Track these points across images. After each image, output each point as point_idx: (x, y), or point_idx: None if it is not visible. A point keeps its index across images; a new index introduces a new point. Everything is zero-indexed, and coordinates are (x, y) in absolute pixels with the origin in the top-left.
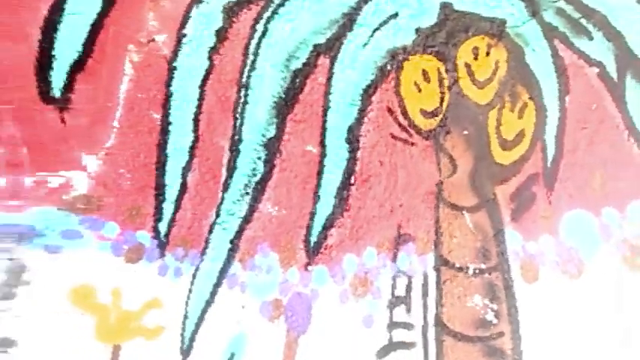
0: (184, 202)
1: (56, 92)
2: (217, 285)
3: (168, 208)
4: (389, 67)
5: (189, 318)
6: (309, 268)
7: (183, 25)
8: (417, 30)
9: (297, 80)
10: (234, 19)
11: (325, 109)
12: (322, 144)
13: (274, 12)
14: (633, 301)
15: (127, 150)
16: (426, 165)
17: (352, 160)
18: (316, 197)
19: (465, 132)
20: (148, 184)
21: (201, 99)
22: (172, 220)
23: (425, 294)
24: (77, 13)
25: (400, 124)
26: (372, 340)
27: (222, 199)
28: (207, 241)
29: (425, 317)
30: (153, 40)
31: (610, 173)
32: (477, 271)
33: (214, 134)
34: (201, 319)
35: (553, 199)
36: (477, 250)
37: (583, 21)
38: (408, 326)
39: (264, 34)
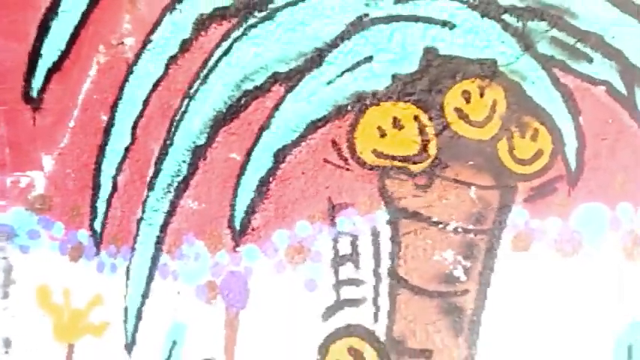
0: (114, 201)
1: (34, 92)
2: (150, 277)
3: (101, 207)
4: (349, 108)
5: (129, 312)
6: (238, 249)
7: (152, 30)
8: (394, 76)
9: (244, 99)
10: (202, 33)
11: (263, 129)
12: (248, 154)
13: (244, 33)
14: (628, 289)
15: (75, 150)
16: (358, 184)
17: (274, 168)
18: (235, 193)
19: (471, 162)
20: (87, 184)
21: (146, 104)
22: (105, 219)
23: (376, 249)
24: (67, 11)
25: (341, 155)
26: (317, 302)
27: (147, 197)
28: (135, 237)
29: (376, 272)
30: (122, 43)
31: (631, 176)
32: (460, 230)
33: (149, 138)
34: (140, 311)
35: (574, 193)
36: (470, 214)
37: (579, 45)
38: (357, 282)
39: (226, 52)
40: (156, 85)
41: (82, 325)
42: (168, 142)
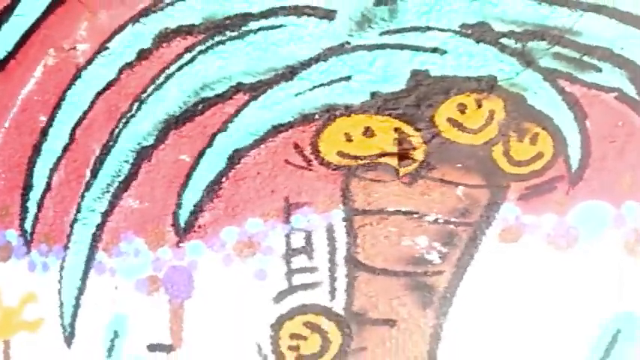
0: (47, 201)
1: None
2: (86, 273)
3: (32, 206)
4: (317, 117)
5: (64, 307)
6: (181, 244)
7: (110, 39)
8: (373, 94)
9: (201, 105)
10: (164, 44)
11: (218, 132)
12: (199, 156)
13: (210, 47)
14: (628, 285)
15: (8, 150)
16: (320, 184)
17: (227, 169)
18: (182, 191)
19: (459, 165)
20: (17, 184)
21: (91, 106)
22: (36, 219)
23: (332, 241)
24: (21, 15)
25: (304, 156)
26: (268, 288)
27: (83, 197)
28: (69, 236)
29: (332, 260)
30: (74, 48)
31: (639, 176)
32: (441, 221)
33: (89, 139)
34: (76, 306)
35: (573, 192)
36: (454, 209)
37: (586, 58)
38: (310, 270)
39: (188, 62)
40: (105, 88)
41: (16, 322)
42: (110, 143)
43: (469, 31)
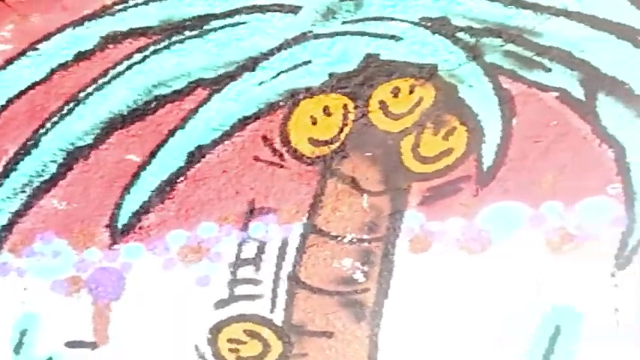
0: None
1: None
2: None
3: None
4: (281, 104)
5: None
6: (115, 247)
7: (42, 40)
8: (331, 75)
9: (154, 103)
10: (110, 45)
11: (175, 129)
12: (151, 155)
13: (166, 47)
14: (549, 285)
15: None
16: (292, 186)
17: (186, 168)
18: (126, 192)
19: (368, 153)
20: None
21: (5, 106)
22: None
23: (281, 256)
24: None
25: (275, 150)
26: (209, 295)
27: None
28: None
29: (277, 274)
30: None
31: (567, 174)
32: (355, 240)
33: (3, 138)
34: None
35: (482, 193)
36: (363, 224)
37: (537, 58)
38: (254, 282)
39: (139, 62)
40: (29, 88)
41: None
42: (30, 143)
43: (428, 24)
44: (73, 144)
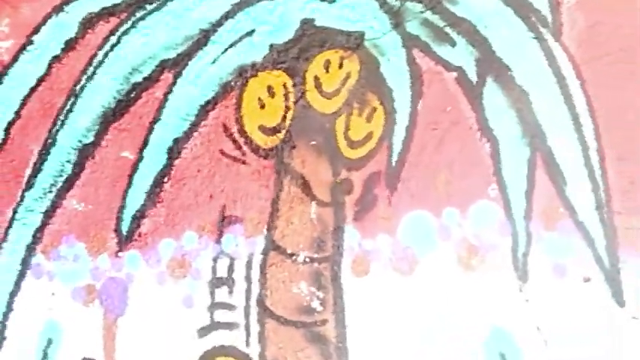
0: None
1: None
2: (21, 275)
3: None
4: (232, 84)
5: None
6: (120, 254)
7: (34, 32)
8: (271, 46)
9: (134, 93)
10: (89, 30)
11: (154, 121)
12: (141, 151)
13: (132, 26)
14: (463, 301)
15: None
16: (255, 185)
17: (169, 166)
18: (125, 194)
19: (313, 142)
20: None
21: (23, 104)
22: None
23: (248, 277)
24: None
25: (235, 141)
26: (193, 319)
27: (23, 197)
28: (5, 237)
29: (247, 299)
30: None
31: (456, 173)
32: (308, 260)
33: (27, 138)
34: (9, 308)
35: (394, 200)
36: (312, 239)
37: (448, 29)
38: (230, 307)
39: (114, 46)
40: (37, 85)
41: None
42: (49, 141)
43: None
44: (80, 141)
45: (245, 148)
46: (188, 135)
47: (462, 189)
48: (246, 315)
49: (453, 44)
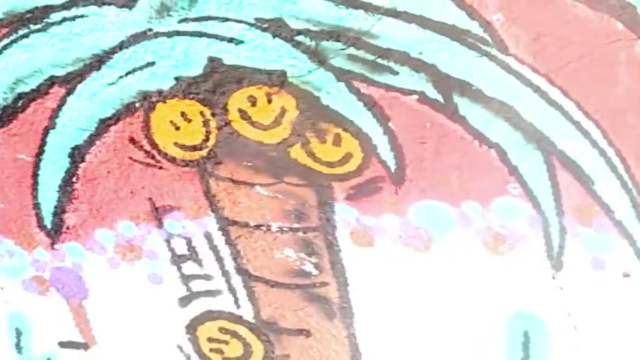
0: None
1: None
2: None
3: None
4: (137, 105)
5: None
6: (56, 246)
7: None
8: (177, 78)
9: (21, 102)
10: None
11: (47, 129)
12: (38, 155)
13: (14, 41)
14: (487, 282)
15: None
16: (178, 184)
17: (74, 168)
18: (35, 192)
19: (249, 164)
20: None
21: None
22: None
23: (215, 250)
24: None
25: (146, 152)
26: (168, 293)
27: None
28: None
29: (223, 270)
30: None
31: (467, 175)
32: (286, 229)
33: None
34: None
35: (401, 192)
36: (285, 211)
37: (381, 60)
38: (205, 277)
39: None
40: None
41: None
42: None
43: (265, 25)
44: None
45: (159, 157)
46: (89, 143)
47: (479, 187)
48: (228, 281)
49: (395, 73)
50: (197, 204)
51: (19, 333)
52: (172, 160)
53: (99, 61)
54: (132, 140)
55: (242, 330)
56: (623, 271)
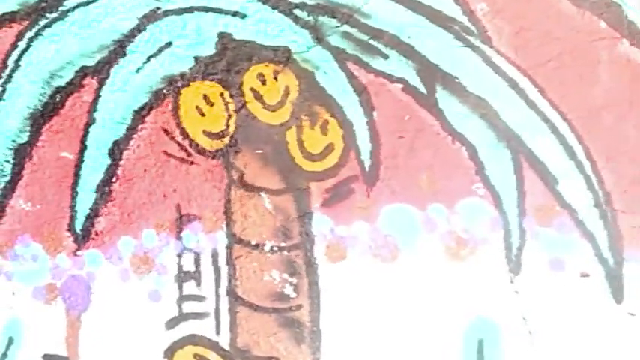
0: None
1: None
2: None
3: None
4: (165, 92)
5: None
6: (79, 252)
7: None
8: (196, 58)
9: (59, 96)
10: None
11: (88, 124)
12: (81, 153)
13: (38, 33)
14: (448, 290)
15: None
16: (207, 186)
17: (114, 167)
18: (74, 193)
19: (259, 151)
20: None
21: None
22: None
23: (216, 269)
24: None
25: (179, 144)
26: (160, 312)
27: None
28: None
29: (217, 290)
30: None
31: (437, 175)
32: (276, 249)
33: None
34: None
35: (373, 194)
36: (276, 229)
37: (373, 42)
38: (199, 298)
39: (25, 51)
40: None
41: None
42: None
43: None
44: (14, 142)
45: (190, 150)
46: (128, 138)
47: (446, 188)
48: (217, 303)
49: (385, 57)
50: (215, 215)
51: (10, 342)
52: (202, 152)
53: (121, 46)
54: (165, 131)
55: (214, 357)
56: (581, 271)
